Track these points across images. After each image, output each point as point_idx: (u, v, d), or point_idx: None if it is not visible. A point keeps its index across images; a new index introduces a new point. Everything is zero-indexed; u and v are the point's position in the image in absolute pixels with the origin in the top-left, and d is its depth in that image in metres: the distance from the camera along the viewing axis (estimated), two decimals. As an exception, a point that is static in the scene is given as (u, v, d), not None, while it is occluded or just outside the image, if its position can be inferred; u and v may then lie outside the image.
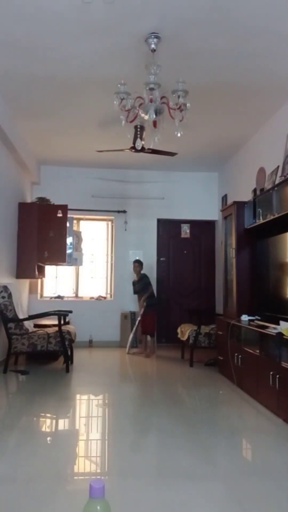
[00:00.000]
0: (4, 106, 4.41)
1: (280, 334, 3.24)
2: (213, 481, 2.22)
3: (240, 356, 4.06)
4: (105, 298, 6.91)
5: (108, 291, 7.02)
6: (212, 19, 2.99)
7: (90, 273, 7.05)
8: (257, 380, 3.64)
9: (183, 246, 7.11)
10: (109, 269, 7.04)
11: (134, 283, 6.25)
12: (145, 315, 6.03)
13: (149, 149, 4.34)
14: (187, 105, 3.06)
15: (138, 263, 6.23)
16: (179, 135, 3.19)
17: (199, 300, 6.98)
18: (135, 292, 6.23)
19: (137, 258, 6.51)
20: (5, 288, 4.66)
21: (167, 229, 7.09)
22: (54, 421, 3.29)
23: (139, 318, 6.14)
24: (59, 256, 5.86)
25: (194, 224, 7.11)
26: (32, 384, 4.25)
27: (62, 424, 3.26)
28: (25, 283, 6.29)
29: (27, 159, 5.64)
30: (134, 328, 6.21)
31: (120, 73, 3.52)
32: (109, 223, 7.11)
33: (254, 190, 4.81)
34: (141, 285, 6.11)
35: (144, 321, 6.03)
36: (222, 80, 3.89)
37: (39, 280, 6.63)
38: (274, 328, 3.45)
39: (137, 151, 4.29)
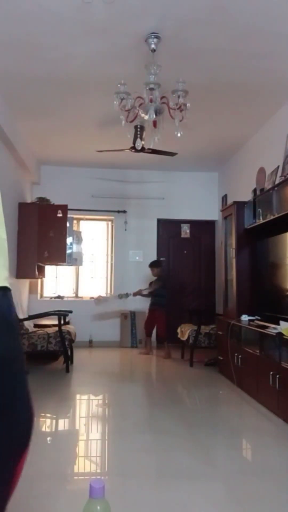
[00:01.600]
0: (4, 106, 4.41)
1: (280, 334, 3.24)
2: (213, 481, 2.22)
3: (240, 356, 4.06)
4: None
5: (108, 291, 7.02)
6: (212, 19, 2.98)
7: (90, 273, 7.05)
8: (257, 380, 3.64)
9: (183, 246, 7.11)
10: (109, 269, 7.04)
11: (150, 284, 6.16)
12: (154, 317, 5.97)
13: (149, 149, 4.33)
14: (187, 105, 3.06)
15: (155, 266, 6.12)
16: (179, 135, 3.19)
17: (199, 300, 6.98)
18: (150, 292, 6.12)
19: (156, 260, 6.42)
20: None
21: (167, 229, 7.09)
22: (54, 421, 3.29)
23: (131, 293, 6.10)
24: (59, 256, 5.86)
25: (194, 224, 7.10)
26: (32, 384, 4.20)
27: (62, 424, 3.26)
28: (25, 283, 6.29)
29: (27, 159, 5.64)
30: (127, 293, 6.15)
31: (120, 73, 3.51)
32: (109, 223, 7.11)
33: (254, 190, 4.80)
34: (156, 285, 6.03)
35: (157, 326, 5.99)
36: (222, 80, 3.89)
37: (39, 280, 6.63)
38: (274, 328, 3.45)
39: (137, 151, 4.29)
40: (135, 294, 6.10)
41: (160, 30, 3.10)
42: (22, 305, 5.37)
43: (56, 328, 4.77)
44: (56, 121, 4.95)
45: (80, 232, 6.78)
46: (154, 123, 3.16)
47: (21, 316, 4.82)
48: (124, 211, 6.87)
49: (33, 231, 5.69)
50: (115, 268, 6.92)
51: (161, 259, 7.00)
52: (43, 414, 3.39)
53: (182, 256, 7.08)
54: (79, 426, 3.18)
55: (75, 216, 6.74)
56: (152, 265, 6.19)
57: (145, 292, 6.04)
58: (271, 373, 3.26)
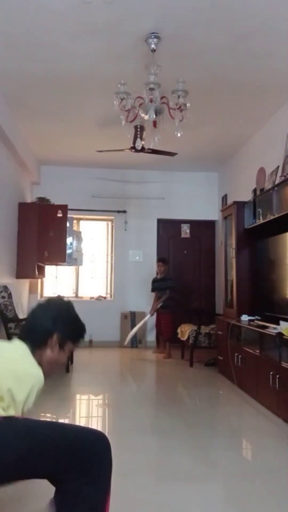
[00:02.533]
0: (5, 106, 4.41)
1: (280, 334, 3.24)
2: (213, 481, 2.22)
3: (240, 356, 4.06)
4: (105, 298, 6.91)
5: (108, 291, 7.02)
6: (212, 19, 2.98)
7: (90, 273, 7.05)
8: (257, 380, 3.64)
9: (183, 246, 7.11)
10: (109, 269, 7.04)
11: (154, 281, 6.12)
12: (161, 319, 5.94)
13: (149, 149, 4.33)
14: (187, 105, 3.06)
15: (162, 262, 6.10)
16: (179, 135, 3.19)
17: (199, 300, 6.97)
18: (153, 289, 6.08)
19: (162, 256, 6.41)
20: (5, 288, 4.66)
21: (167, 229, 7.09)
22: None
23: (148, 316, 6.02)
24: (59, 256, 5.86)
25: (194, 224, 7.10)
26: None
27: (62, 424, 3.25)
28: (25, 283, 6.29)
29: (27, 159, 5.64)
30: (140, 324, 6.02)
31: (120, 73, 3.51)
32: (109, 223, 7.11)
33: (254, 190, 4.80)
34: (161, 284, 5.97)
35: (161, 326, 5.96)
36: (222, 80, 3.89)
37: (39, 280, 6.63)
38: (274, 328, 3.45)
39: (137, 151, 4.29)
40: (152, 313, 5.99)
41: (160, 30, 3.10)
42: (22, 305, 5.36)
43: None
44: (56, 121, 4.95)
45: (80, 232, 6.79)
46: (154, 123, 3.16)
47: (21, 316, 4.81)
48: (124, 211, 6.86)
49: (33, 231, 5.69)
50: (115, 268, 6.91)
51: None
52: (43, 414, 3.38)
53: (182, 256, 7.08)
54: (79, 426, 3.18)
55: (75, 216, 6.73)
56: (163, 260, 6.15)
57: (160, 304, 5.90)
58: (271, 373, 3.26)
